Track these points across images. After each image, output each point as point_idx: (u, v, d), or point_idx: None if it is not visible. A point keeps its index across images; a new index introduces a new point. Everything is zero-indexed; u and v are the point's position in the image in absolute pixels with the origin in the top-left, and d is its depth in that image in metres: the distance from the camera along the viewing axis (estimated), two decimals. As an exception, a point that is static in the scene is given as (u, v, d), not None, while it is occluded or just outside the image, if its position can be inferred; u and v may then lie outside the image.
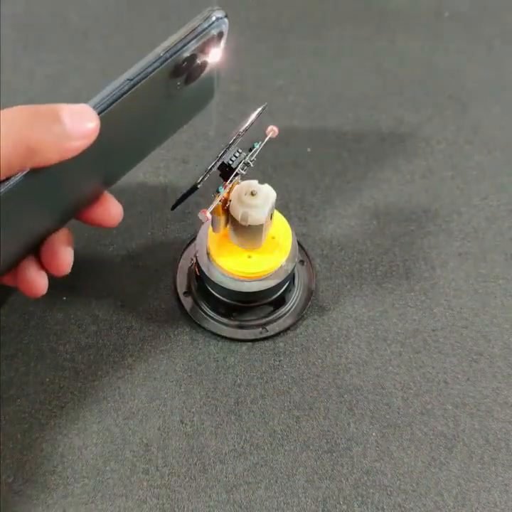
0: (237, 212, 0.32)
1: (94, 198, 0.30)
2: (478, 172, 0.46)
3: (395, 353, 0.38)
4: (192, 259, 0.40)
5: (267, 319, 0.38)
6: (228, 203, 0.32)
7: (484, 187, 0.45)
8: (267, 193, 0.32)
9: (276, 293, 0.37)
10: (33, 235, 0.27)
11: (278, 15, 0.56)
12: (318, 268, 0.41)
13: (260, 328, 0.38)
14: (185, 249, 0.41)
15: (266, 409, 0.36)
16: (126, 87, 0.23)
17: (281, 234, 0.36)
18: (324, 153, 0.47)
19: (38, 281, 0.29)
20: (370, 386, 0.37)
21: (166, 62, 0.25)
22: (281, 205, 0.43)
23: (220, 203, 0.32)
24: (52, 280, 0.40)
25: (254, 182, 0.33)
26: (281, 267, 0.35)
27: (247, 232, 0.33)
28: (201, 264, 0.36)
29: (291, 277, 0.37)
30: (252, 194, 0.32)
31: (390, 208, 0.44)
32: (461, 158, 0.47)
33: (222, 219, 0.33)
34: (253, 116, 0.30)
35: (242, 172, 0.31)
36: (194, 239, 0.39)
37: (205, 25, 0.25)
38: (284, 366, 0.37)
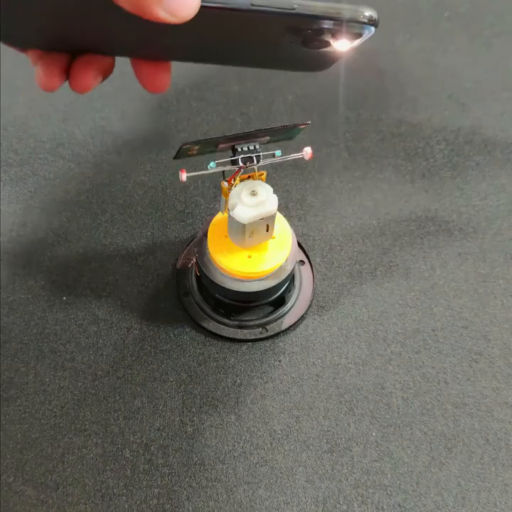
0: (230, 200, 0.32)
1: (156, 58, 0.29)
2: (478, 172, 0.46)
3: (395, 353, 0.38)
4: (192, 259, 0.40)
5: (267, 319, 0.38)
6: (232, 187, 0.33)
7: (484, 187, 0.45)
8: (265, 202, 0.32)
9: (276, 293, 0.37)
10: (81, 36, 0.26)
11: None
12: (318, 268, 0.41)
13: (260, 328, 0.38)
14: (185, 249, 0.41)
15: (266, 409, 0.36)
16: (244, 7, 0.22)
17: (281, 234, 0.36)
18: (324, 153, 0.47)
19: (54, 79, 0.27)
20: (370, 386, 0.37)
21: (293, 17, 0.23)
22: (281, 205, 0.43)
23: (227, 186, 0.32)
24: (53, 280, 0.40)
25: (266, 186, 0.32)
26: (281, 267, 0.35)
27: (232, 226, 0.33)
28: (201, 264, 0.36)
29: (291, 277, 0.37)
30: (252, 193, 0.32)
31: (390, 207, 0.44)
32: (461, 158, 0.47)
33: (226, 201, 0.33)
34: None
35: (241, 164, 0.31)
36: (194, 239, 0.39)
37: (348, 18, 0.24)
38: (284, 366, 0.37)
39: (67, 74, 0.27)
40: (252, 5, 0.23)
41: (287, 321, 0.38)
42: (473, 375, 0.37)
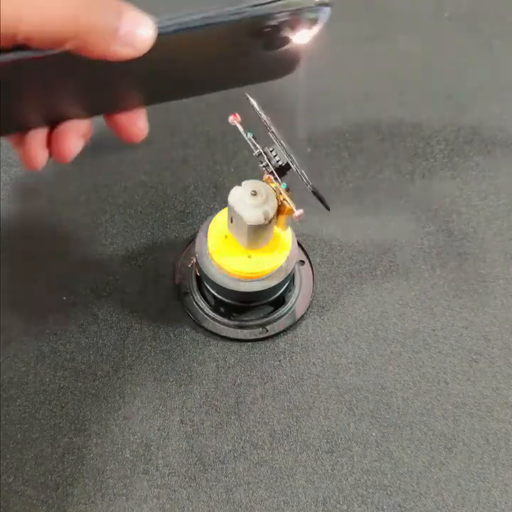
0: (232, 201, 0.32)
1: (127, 108, 0.28)
2: (478, 172, 0.46)
3: (395, 353, 0.38)
4: (192, 259, 0.40)
5: (267, 319, 0.38)
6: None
7: (484, 187, 0.45)
8: (266, 202, 0.32)
9: (276, 293, 0.37)
10: (52, 108, 0.25)
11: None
12: (318, 268, 0.41)
13: (260, 328, 0.38)
14: (185, 249, 0.41)
15: (266, 409, 0.36)
16: (198, 23, 0.22)
17: (281, 234, 0.36)
18: (324, 153, 0.47)
19: (38, 156, 0.26)
20: (370, 386, 0.37)
21: (247, 19, 0.23)
22: (281, 205, 0.43)
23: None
24: (53, 280, 0.40)
25: (267, 186, 0.33)
26: (281, 267, 0.35)
27: (236, 225, 0.33)
28: (201, 264, 0.36)
29: (291, 277, 0.37)
30: (252, 194, 0.32)
31: (390, 207, 0.44)
32: (461, 158, 0.47)
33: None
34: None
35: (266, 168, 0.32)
36: (194, 239, 0.39)
37: (303, 5, 0.23)
38: (284, 366, 0.37)
39: (50, 147, 0.27)
40: (206, 18, 0.22)
41: (287, 321, 0.38)
42: (473, 375, 0.37)
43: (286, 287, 0.38)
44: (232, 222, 0.33)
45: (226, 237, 0.35)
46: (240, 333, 0.38)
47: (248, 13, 0.22)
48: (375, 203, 0.44)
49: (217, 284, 0.35)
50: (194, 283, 0.39)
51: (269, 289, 0.35)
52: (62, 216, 0.43)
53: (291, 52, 0.26)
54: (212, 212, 0.43)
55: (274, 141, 0.32)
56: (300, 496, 0.33)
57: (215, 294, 0.37)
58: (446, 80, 0.52)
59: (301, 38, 0.25)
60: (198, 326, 0.38)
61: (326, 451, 0.34)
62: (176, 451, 0.34)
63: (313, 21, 0.25)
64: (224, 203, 0.35)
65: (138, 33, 0.21)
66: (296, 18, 0.24)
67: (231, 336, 0.38)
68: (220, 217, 0.36)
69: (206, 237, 0.36)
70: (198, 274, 0.38)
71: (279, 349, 0.38)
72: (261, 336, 0.38)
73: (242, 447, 0.34)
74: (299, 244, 0.40)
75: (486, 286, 0.41)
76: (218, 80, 0.28)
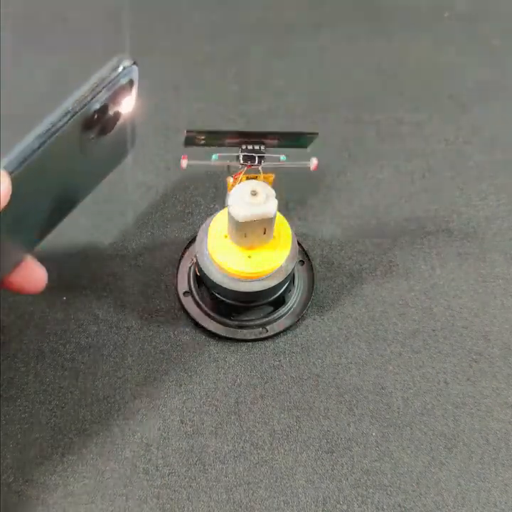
0: (230, 194, 0.32)
1: (13, 265, 0.26)
2: (478, 172, 0.46)
3: (395, 353, 0.38)
4: (192, 259, 0.40)
5: (267, 319, 0.38)
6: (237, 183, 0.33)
7: (484, 187, 0.45)
8: (263, 204, 0.32)
9: (276, 293, 0.37)
10: None
11: (278, 15, 0.56)
12: (318, 268, 0.41)
13: (260, 328, 0.38)
14: (185, 249, 0.41)
15: (266, 409, 0.36)
16: (36, 144, 0.22)
17: (281, 234, 0.36)
18: (324, 153, 0.47)
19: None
20: (370, 386, 0.37)
21: (76, 116, 0.23)
22: (281, 205, 0.43)
23: (232, 182, 0.33)
24: (52, 280, 0.40)
25: (269, 189, 0.32)
26: (281, 267, 0.35)
27: (229, 222, 0.33)
28: (201, 264, 0.36)
29: (291, 277, 0.37)
30: (252, 193, 0.32)
31: (390, 207, 0.44)
32: (461, 158, 0.47)
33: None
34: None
35: (242, 162, 0.31)
36: (194, 239, 0.39)
37: (114, 75, 0.24)
38: (284, 366, 0.37)
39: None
40: (39, 136, 0.22)
41: (287, 321, 0.38)
42: (474, 375, 0.37)
43: (286, 287, 0.38)
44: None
45: (226, 237, 0.35)
46: (240, 333, 0.38)
47: (70, 111, 0.22)
48: (375, 203, 0.44)
49: (217, 284, 0.35)
50: (194, 283, 0.39)
51: (269, 289, 0.35)
52: (62, 216, 0.43)
53: (123, 124, 0.25)
54: (212, 212, 0.43)
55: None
56: (300, 496, 0.33)
57: (215, 294, 0.37)
58: (446, 80, 0.52)
59: (126, 106, 0.25)
60: (198, 326, 0.38)
61: (326, 451, 0.34)
62: (176, 451, 0.34)
63: (131, 84, 0.24)
64: (224, 203, 0.35)
65: None
66: (115, 88, 0.23)
67: (231, 336, 0.38)
68: (220, 217, 0.36)
69: (206, 237, 0.36)
70: (198, 274, 0.38)
71: (279, 349, 0.38)
72: (261, 336, 0.38)
73: (242, 447, 0.34)
74: (299, 244, 0.40)
75: (486, 286, 0.41)
76: (80, 187, 0.27)
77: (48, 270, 0.40)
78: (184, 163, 0.31)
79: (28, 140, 0.22)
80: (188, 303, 0.39)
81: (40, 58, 0.52)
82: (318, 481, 0.34)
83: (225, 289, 0.35)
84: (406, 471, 0.34)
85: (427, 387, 0.37)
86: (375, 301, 0.40)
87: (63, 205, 0.27)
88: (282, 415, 0.36)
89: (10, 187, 0.21)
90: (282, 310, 0.39)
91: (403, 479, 0.34)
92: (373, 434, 0.35)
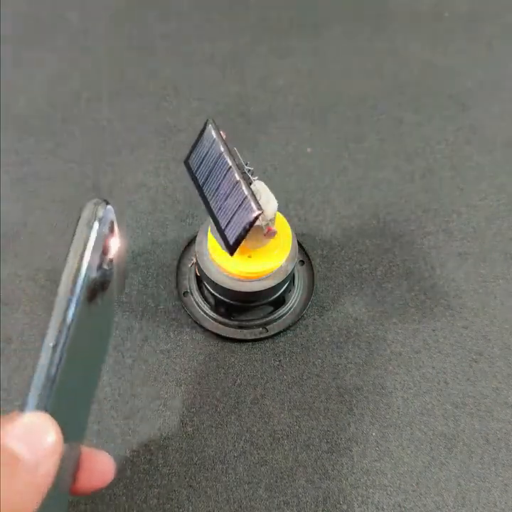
0: None
1: (74, 465, 0.23)
2: (478, 172, 0.46)
3: (395, 353, 0.38)
4: (192, 259, 0.40)
5: (267, 319, 0.38)
6: None
7: (484, 187, 0.45)
8: (264, 205, 0.32)
9: (276, 293, 0.37)
10: None
11: (278, 15, 0.56)
12: (318, 268, 0.41)
13: (260, 328, 0.38)
14: (185, 249, 0.41)
15: (266, 409, 0.36)
16: (57, 355, 0.19)
17: (281, 234, 0.36)
18: (324, 153, 0.47)
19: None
20: (370, 386, 0.37)
21: (82, 302, 0.20)
22: (281, 205, 0.43)
23: None
24: (53, 280, 0.40)
25: (267, 191, 0.32)
26: (281, 267, 0.35)
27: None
28: (201, 264, 0.36)
29: (291, 277, 0.37)
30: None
31: (390, 208, 0.44)
32: (461, 158, 0.47)
33: None
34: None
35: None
36: (194, 239, 0.39)
37: (96, 233, 0.21)
38: (284, 366, 0.37)
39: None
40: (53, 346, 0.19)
41: (287, 321, 0.38)
42: (474, 375, 0.37)
43: (286, 287, 0.38)
44: None
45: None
46: (240, 333, 0.38)
47: (70, 298, 0.20)
48: (375, 203, 0.44)
49: (217, 284, 0.35)
50: (194, 283, 0.39)
51: (269, 289, 0.35)
52: (63, 216, 0.43)
53: (113, 273, 0.23)
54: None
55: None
56: (300, 496, 0.33)
57: (215, 294, 0.37)
58: (446, 80, 0.52)
59: (114, 247, 0.23)
60: (198, 326, 0.38)
61: (326, 451, 0.34)
62: (176, 451, 0.34)
63: (112, 226, 0.22)
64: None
65: (39, 442, 0.18)
66: (101, 243, 0.21)
67: (231, 335, 0.38)
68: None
69: (206, 237, 0.36)
70: (198, 274, 0.38)
71: (279, 349, 0.38)
72: (261, 336, 0.38)
73: (242, 447, 0.34)
74: (299, 244, 0.40)
75: (486, 286, 0.41)
76: (98, 364, 0.25)
77: (49, 270, 0.41)
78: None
79: (46, 358, 0.20)
80: (188, 303, 0.39)
81: (40, 58, 0.52)
82: (318, 481, 0.34)
83: (225, 289, 0.35)
84: (406, 471, 0.34)
85: (427, 387, 0.37)
86: (375, 301, 0.40)
87: (91, 387, 0.25)
88: (282, 415, 0.36)
89: (59, 436, 0.19)
90: (282, 310, 0.39)
91: (403, 479, 0.34)
92: (373, 434, 0.35)
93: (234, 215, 0.30)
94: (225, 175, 0.31)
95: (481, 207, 0.44)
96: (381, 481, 0.34)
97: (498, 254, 0.42)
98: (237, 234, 0.30)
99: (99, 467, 0.23)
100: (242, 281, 0.35)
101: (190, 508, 0.33)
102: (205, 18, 0.56)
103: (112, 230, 0.23)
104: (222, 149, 0.31)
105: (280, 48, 0.54)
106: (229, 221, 0.31)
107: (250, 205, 0.29)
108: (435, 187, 0.45)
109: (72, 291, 0.20)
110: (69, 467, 0.21)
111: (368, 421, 0.35)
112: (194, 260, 0.37)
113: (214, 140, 0.31)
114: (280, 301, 0.38)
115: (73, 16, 0.55)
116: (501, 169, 0.46)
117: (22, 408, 0.18)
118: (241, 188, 0.30)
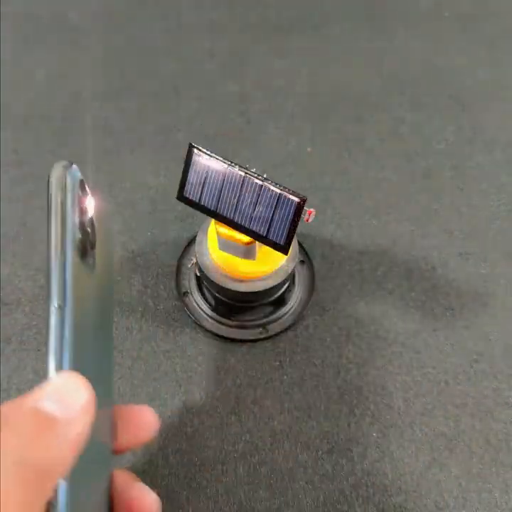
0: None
1: (110, 422, 0.23)
2: (478, 172, 0.46)
3: (396, 353, 0.38)
4: (192, 259, 0.39)
5: (267, 319, 0.38)
6: None
7: (484, 187, 0.45)
8: None
9: (276, 293, 0.37)
10: None
11: (278, 15, 0.56)
12: (318, 268, 0.41)
13: (260, 328, 0.38)
14: (185, 249, 0.41)
15: (266, 409, 0.36)
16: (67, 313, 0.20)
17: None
18: (324, 153, 0.47)
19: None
20: (370, 386, 0.36)
21: (72, 261, 0.20)
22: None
23: None
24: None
25: None
26: (281, 267, 0.35)
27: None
28: (201, 264, 0.36)
29: (291, 277, 0.37)
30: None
31: (390, 208, 0.44)
32: (461, 158, 0.47)
33: None
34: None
35: None
36: (194, 239, 0.39)
37: (71, 194, 0.21)
38: (284, 366, 0.37)
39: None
40: (58, 306, 0.20)
41: (287, 321, 0.38)
42: (474, 375, 0.37)
43: (287, 287, 0.38)
44: None
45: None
46: (240, 333, 0.38)
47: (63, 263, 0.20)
48: (375, 203, 0.44)
49: (217, 284, 0.35)
50: (194, 283, 0.39)
51: (269, 289, 0.35)
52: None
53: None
54: (212, 212, 0.43)
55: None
56: (300, 496, 0.33)
57: (215, 294, 0.37)
58: (446, 80, 0.52)
59: (90, 206, 0.22)
60: (198, 326, 0.38)
61: (326, 451, 0.34)
62: (176, 451, 0.34)
63: (82, 185, 0.22)
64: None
65: (72, 402, 0.18)
66: (77, 201, 0.21)
67: (231, 336, 0.38)
68: (220, 217, 0.36)
69: (206, 237, 0.36)
70: (197, 274, 0.38)
71: (279, 349, 0.38)
72: (261, 336, 0.38)
73: (242, 447, 0.34)
74: (299, 244, 0.40)
75: (487, 286, 0.41)
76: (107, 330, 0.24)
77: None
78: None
79: (55, 318, 0.20)
80: (188, 303, 0.39)
81: (40, 58, 0.52)
82: (318, 482, 0.33)
83: (225, 289, 0.35)
84: (406, 472, 0.34)
85: (428, 388, 0.37)
86: (375, 301, 0.40)
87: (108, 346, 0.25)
88: (282, 416, 0.35)
89: (91, 392, 0.19)
90: (282, 310, 0.38)
91: (404, 480, 0.34)
92: (373, 434, 0.35)
93: (273, 216, 0.30)
94: (241, 186, 0.30)
95: (482, 207, 0.44)
96: (381, 482, 0.34)
97: (498, 254, 0.42)
98: (286, 231, 0.30)
99: (143, 420, 0.24)
100: (242, 281, 0.35)
101: (190, 508, 0.33)
102: (205, 18, 0.56)
103: (83, 188, 0.22)
104: (224, 164, 0.30)
105: (280, 47, 0.54)
106: (269, 225, 0.30)
107: (289, 198, 0.29)
108: (435, 187, 0.45)
109: (63, 253, 0.20)
110: (104, 425, 0.22)
111: (369, 421, 0.35)
112: (194, 260, 0.37)
113: (209, 160, 0.31)
114: (280, 301, 0.38)
115: (73, 16, 0.55)
116: (501, 169, 0.46)
117: (45, 372, 0.18)
118: (269, 189, 0.30)
